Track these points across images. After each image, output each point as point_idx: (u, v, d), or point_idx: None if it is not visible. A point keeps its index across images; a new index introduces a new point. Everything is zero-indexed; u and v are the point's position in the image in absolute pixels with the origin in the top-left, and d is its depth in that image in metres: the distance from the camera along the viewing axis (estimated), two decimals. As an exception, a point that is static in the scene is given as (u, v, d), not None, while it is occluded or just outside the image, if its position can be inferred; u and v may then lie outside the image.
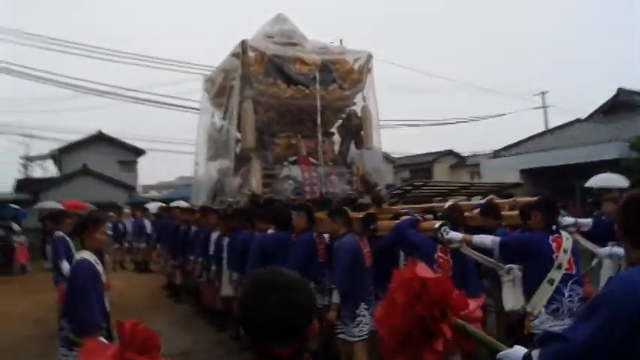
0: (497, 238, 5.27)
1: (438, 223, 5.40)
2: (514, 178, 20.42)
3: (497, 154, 24.49)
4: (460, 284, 5.27)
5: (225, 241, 8.48)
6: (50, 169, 33.33)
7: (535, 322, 4.89)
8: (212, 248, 8.98)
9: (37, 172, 35.63)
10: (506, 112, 32.97)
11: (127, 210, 18.92)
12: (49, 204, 19.99)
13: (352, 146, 10.12)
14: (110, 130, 29.70)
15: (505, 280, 5.38)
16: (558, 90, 47.45)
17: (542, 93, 33.01)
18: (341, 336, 5.58)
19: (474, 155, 37.16)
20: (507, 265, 5.33)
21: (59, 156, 29.15)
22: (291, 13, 10.35)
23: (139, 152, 30.18)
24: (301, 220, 6.48)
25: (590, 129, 21.92)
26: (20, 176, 32.17)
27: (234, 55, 9.33)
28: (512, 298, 5.32)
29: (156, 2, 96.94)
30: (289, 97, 9.38)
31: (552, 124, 30.10)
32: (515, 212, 6.30)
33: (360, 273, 5.59)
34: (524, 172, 20.60)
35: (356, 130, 9.98)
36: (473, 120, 32.89)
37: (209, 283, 9.26)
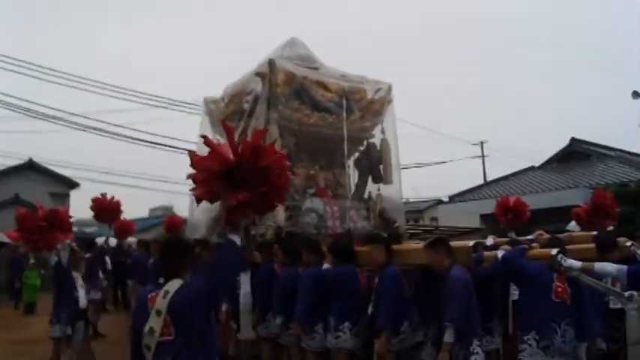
0: (624, 267, 4.96)
1: (554, 251, 5.05)
2: (472, 222, 20.40)
3: (452, 199, 24.56)
4: (578, 314, 4.98)
5: (242, 277, 7.64)
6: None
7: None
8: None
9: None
10: (446, 160, 33.21)
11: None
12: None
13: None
14: (44, 158, 27.90)
15: (630, 310, 4.97)
16: (495, 141, 48.87)
17: (482, 142, 33.77)
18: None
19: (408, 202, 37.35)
20: (628, 292, 4.94)
21: (-16, 184, 27.03)
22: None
23: (72, 185, 28.38)
24: (380, 253, 5.81)
25: (546, 176, 22.30)
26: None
27: (258, 74, 8.65)
28: (638, 329, 4.93)
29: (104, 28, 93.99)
30: (312, 124, 8.82)
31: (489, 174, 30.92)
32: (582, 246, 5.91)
33: (473, 307, 5.05)
34: (485, 217, 20.52)
35: (375, 164, 9.44)
36: (415, 167, 32.88)
37: (218, 325, 8.33)
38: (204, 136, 3.72)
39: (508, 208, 8.90)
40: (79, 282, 7.59)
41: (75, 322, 7.36)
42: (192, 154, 3.65)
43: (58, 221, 7.30)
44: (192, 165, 3.61)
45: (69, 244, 7.72)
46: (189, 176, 3.68)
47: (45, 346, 10.22)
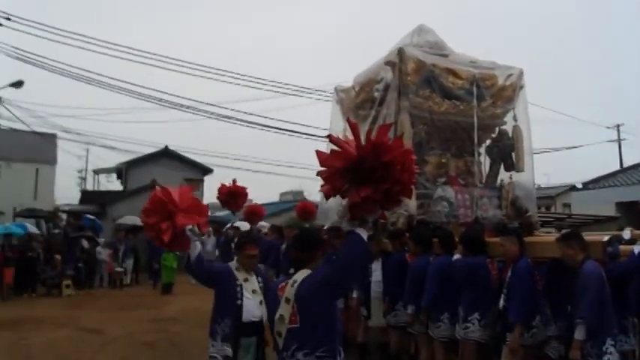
0: None
1: None
2: (607, 210, 19.47)
3: (586, 185, 23.58)
4: None
5: (374, 265, 7.73)
6: (114, 182, 33.33)
7: None
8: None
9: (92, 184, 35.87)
10: (578, 145, 31.67)
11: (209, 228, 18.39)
12: (129, 219, 19.87)
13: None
14: (179, 145, 29.30)
15: None
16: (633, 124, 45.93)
17: (618, 125, 32.00)
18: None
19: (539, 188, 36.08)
20: None
21: (126, 170, 28.82)
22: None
23: (207, 171, 29.62)
24: (513, 245, 5.74)
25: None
26: (85, 188, 32.37)
27: (388, 63, 8.69)
28: None
29: (234, 20, 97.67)
30: (443, 112, 8.76)
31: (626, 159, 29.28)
32: None
33: (607, 304, 4.89)
34: (621, 205, 19.54)
35: (507, 152, 9.23)
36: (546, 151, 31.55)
37: (348, 311, 8.46)
38: (329, 135, 3.77)
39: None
40: (251, 286, 5.28)
41: (239, 338, 5.09)
42: (318, 152, 3.70)
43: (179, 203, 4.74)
44: (320, 162, 3.65)
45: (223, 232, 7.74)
46: (318, 173, 3.72)
47: (179, 325, 10.87)
